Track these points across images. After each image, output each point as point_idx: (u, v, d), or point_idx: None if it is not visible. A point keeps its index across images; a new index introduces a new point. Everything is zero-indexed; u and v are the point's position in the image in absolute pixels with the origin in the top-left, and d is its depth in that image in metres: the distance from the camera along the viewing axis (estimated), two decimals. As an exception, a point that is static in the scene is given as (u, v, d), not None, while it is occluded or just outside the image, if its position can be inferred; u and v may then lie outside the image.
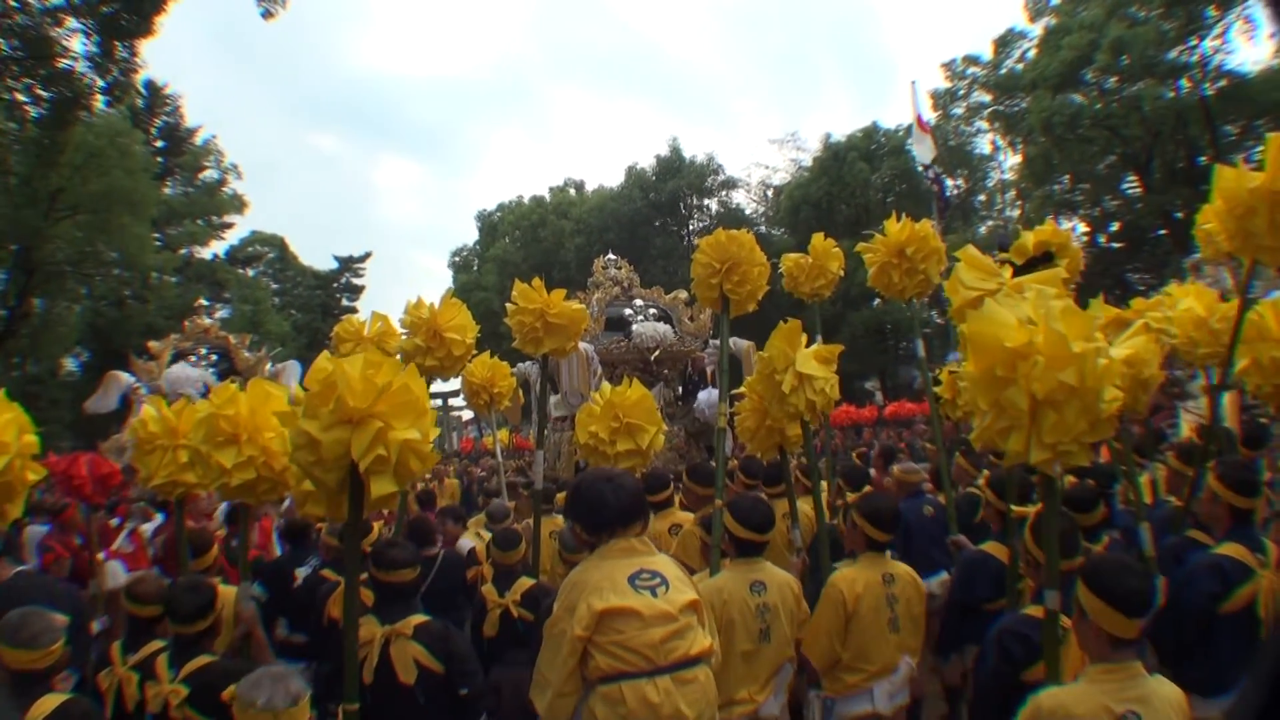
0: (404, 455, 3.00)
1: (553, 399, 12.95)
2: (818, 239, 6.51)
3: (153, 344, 16.63)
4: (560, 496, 5.59)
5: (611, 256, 16.05)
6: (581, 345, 11.91)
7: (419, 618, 4.03)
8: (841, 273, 6.48)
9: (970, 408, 3.07)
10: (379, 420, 2.96)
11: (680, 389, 14.55)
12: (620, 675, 2.81)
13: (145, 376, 15.50)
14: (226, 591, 4.38)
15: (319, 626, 5.40)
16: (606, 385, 5.63)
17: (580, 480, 3.33)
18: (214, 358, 16.98)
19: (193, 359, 16.59)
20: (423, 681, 3.89)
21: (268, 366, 16.29)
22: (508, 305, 5.67)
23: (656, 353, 13.86)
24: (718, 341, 6.30)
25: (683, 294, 14.65)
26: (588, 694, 2.88)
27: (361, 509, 3.17)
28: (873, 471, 8.39)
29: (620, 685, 2.80)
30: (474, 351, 5.69)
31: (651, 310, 14.96)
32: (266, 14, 17.52)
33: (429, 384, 5.92)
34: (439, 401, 45.37)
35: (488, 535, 6.10)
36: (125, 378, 15.26)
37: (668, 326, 14.35)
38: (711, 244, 5.39)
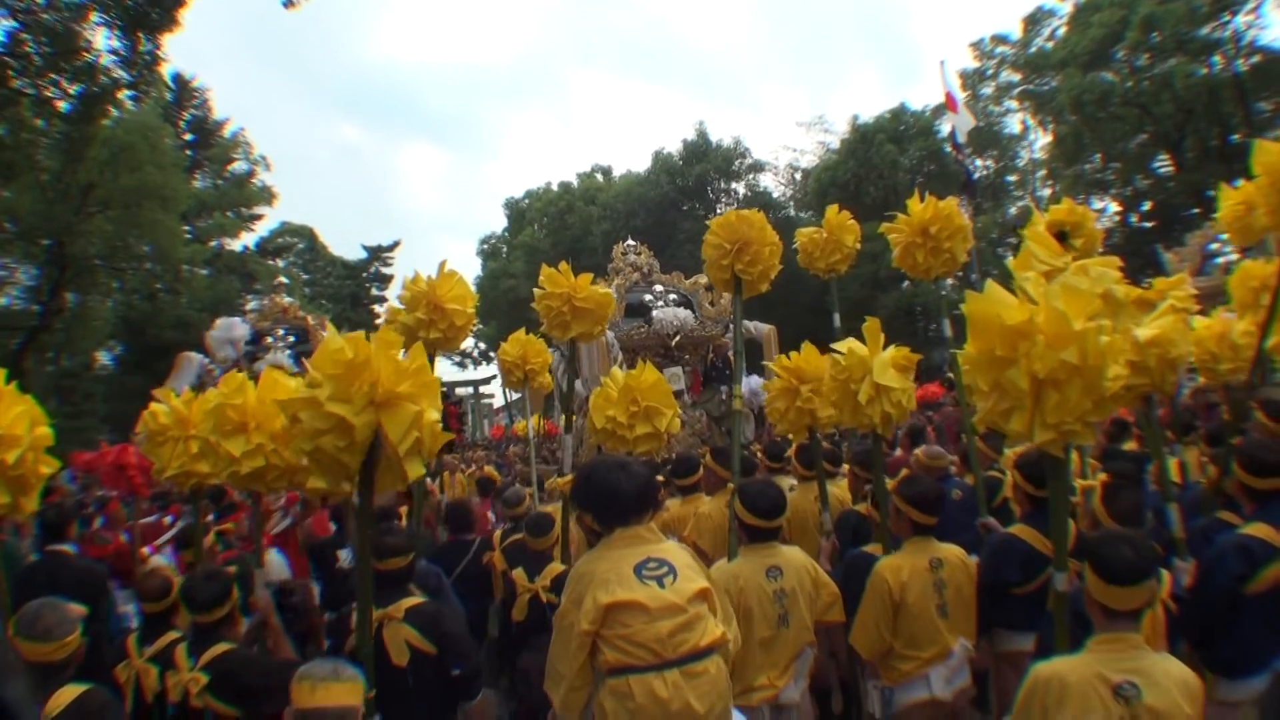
0: (426, 436, 3.00)
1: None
2: (832, 211, 6.26)
3: None
4: (559, 483, 5.53)
5: (631, 242, 15.94)
6: (599, 332, 11.90)
7: (410, 600, 4.12)
8: (858, 245, 6.27)
9: (972, 389, 3.02)
10: (411, 403, 2.92)
11: (702, 374, 14.49)
12: (627, 669, 2.74)
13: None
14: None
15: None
16: (617, 370, 5.55)
17: (590, 469, 3.14)
18: (291, 339, 17.04)
19: (269, 340, 16.67)
20: (415, 663, 3.96)
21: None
22: (535, 290, 5.66)
23: (677, 338, 13.83)
24: (740, 325, 6.22)
25: (703, 279, 14.58)
26: (598, 686, 2.83)
27: (373, 492, 3.12)
28: (898, 451, 8.30)
29: (628, 679, 2.73)
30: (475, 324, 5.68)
31: (672, 295, 14.90)
32: (288, 3, 17.40)
33: (433, 361, 6.00)
34: (471, 389, 45.67)
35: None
36: (197, 358, 15.36)
37: (688, 312, 14.32)
38: (722, 224, 5.29)
